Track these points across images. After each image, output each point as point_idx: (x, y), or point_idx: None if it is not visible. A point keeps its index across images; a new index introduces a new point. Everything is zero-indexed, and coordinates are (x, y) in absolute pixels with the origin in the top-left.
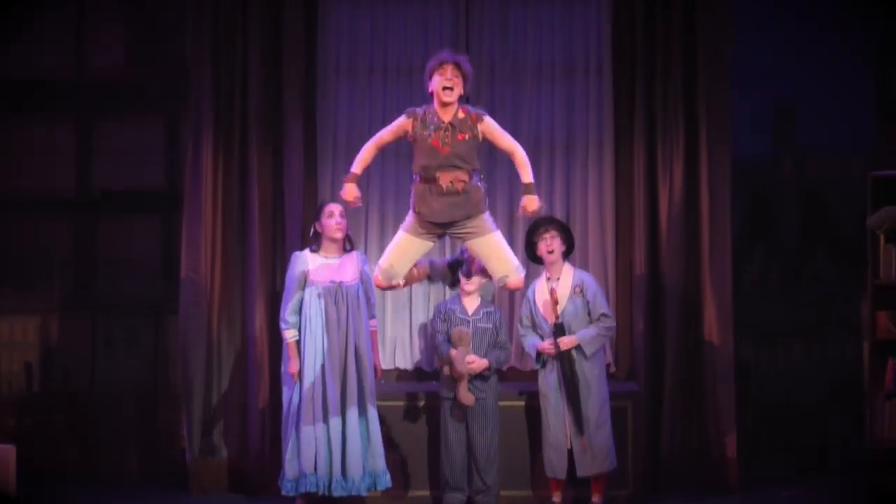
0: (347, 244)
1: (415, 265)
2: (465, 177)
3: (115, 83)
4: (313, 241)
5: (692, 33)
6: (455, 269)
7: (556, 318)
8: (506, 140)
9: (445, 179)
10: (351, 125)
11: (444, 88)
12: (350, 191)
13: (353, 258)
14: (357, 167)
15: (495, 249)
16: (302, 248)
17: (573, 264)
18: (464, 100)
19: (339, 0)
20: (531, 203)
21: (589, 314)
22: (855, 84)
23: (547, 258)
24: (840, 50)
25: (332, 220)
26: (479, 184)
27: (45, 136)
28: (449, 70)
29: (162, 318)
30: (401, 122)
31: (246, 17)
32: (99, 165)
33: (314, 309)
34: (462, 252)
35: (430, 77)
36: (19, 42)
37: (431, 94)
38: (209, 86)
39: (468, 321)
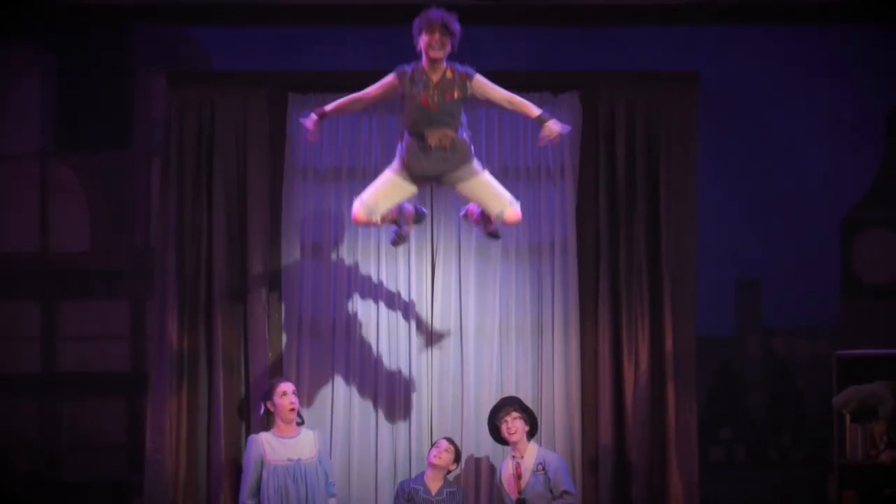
0: (298, 418)
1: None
2: (452, 133)
3: (80, 265)
4: (265, 420)
5: (656, 217)
6: (414, 223)
7: (519, 492)
8: (499, 92)
9: (434, 137)
10: (316, 303)
11: (432, 47)
12: (310, 127)
13: (310, 436)
14: (330, 106)
15: (486, 188)
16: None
17: (539, 441)
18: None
19: (304, 182)
20: (551, 127)
21: (551, 491)
22: (820, 263)
23: (510, 439)
24: (805, 229)
25: (286, 399)
26: (464, 135)
27: (9, 317)
28: (437, 29)
29: (127, 499)
30: (389, 80)
31: (211, 200)
32: (64, 347)
33: (272, 489)
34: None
35: (419, 34)
36: None
37: (420, 51)
38: (174, 269)
39: (431, 502)
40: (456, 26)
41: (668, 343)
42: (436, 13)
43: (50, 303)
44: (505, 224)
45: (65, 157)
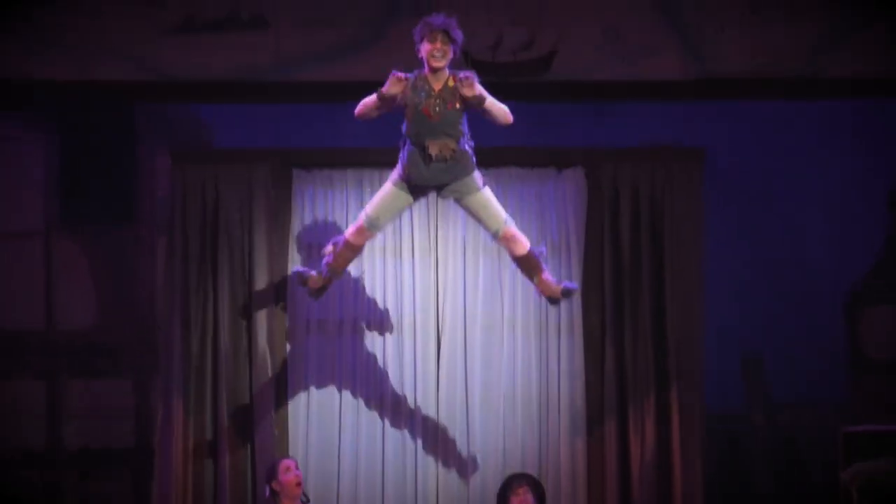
0: (304, 497)
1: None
2: (453, 144)
3: (85, 342)
4: (271, 502)
5: (662, 293)
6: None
7: None
8: (481, 94)
9: (435, 147)
10: (322, 375)
11: (434, 56)
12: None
13: None
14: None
15: (485, 206)
16: None
17: None
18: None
19: (309, 259)
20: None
21: None
22: (826, 338)
23: None
24: (811, 304)
25: (291, 474)
26: (466, 146)
27: (14, 394)
28: (439, 37)
29: None
30: (392, 81)
31: (216, 276)
32: (68, 423)
33: None
34: None
35: (420, 42)
36: None
37: (422, 59)
38: (179, 346)
39: None
40: (458, 33)
41: (675, 418)
42: (437, 19)
43: (55, 379)
44: (500, 242)
45: (69, 234)
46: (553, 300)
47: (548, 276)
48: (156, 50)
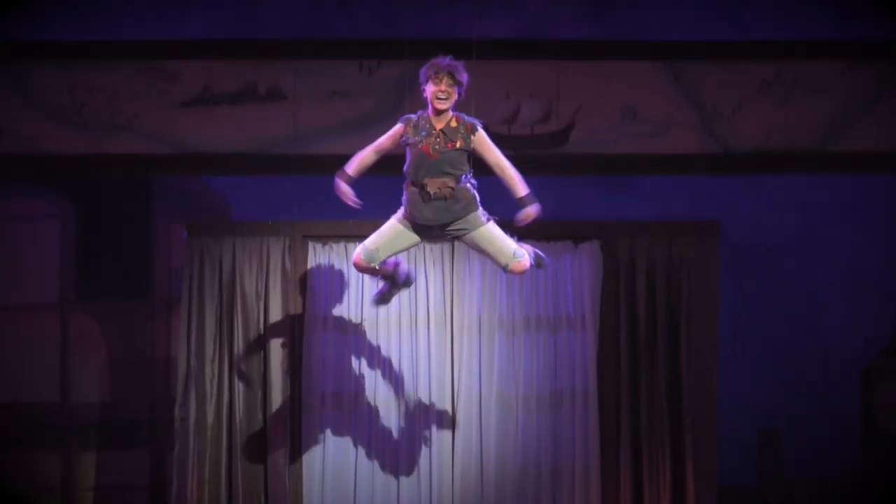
0: None
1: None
2: (452, 183)
3: (100, 416)
4: None
5: (677, 365)
6: (399, 288)
7: None
8: (494, 154)
9: (433, 186)
10: (337, 454)
11: (438, 98)
12: (345, 191)
13: None
14: (351, 167)
15: (492, 241)
16: None
17: None
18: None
19: (324, 332)
20: (529, 212)
21: None
22: (841, 412)
23: None
24: (825, 378)
25: None
26: (467, 185)
27: (29, 468)
28: (444, 79)
29: None
30: (396, 129)
31: (231, 349)
32: (83, 496)
33: None
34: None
35: (425, 82)
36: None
37: (426, 99)
38: (194, 419)
39: None
40: (464, 76)
41: (690, 491)
42: (443, 60)
43: (70, 453)
44: (511, 274)
45: (85, 306)
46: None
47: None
48: (172, 122)
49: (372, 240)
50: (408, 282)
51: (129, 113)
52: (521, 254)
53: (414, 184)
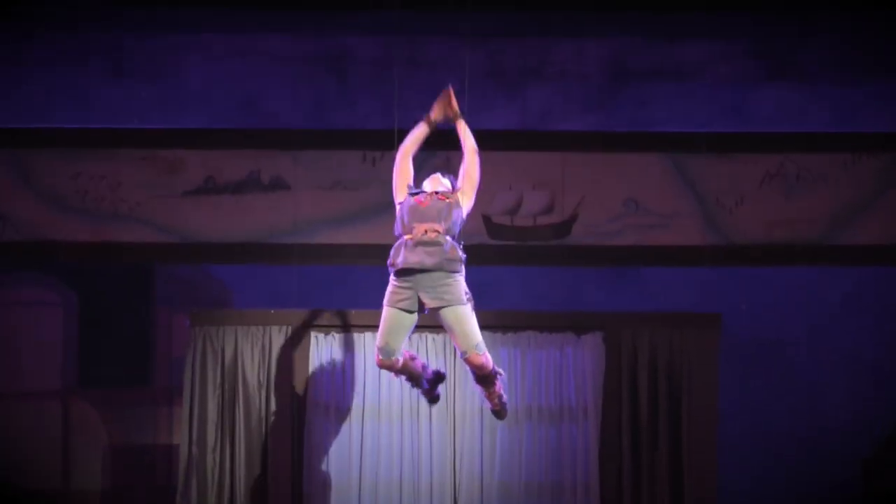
0: None
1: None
2: (439, 228)
3: (101, 503)
4: None
5: (679, 457)
6: (435, 385)
7: None
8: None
9: (421, 229)
10: None
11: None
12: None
13: None
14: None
15: (462, 324)
16: None
17: None
18: None
19: (326, 420)
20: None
21: None
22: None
23: None
24: (827, 469)
25: None
26: (456, 245)
27: None
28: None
29: None
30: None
31: (233, 436)
32: None
33: None
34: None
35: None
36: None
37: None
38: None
39: None
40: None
41: None
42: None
43: None
44: (465, 363)
45: (86, 394)
46: (496, 413)
47: (499, 387)
48: (175, 211)
49: (378, 337)
50: (439, 377)
51: (131, 201)
52: (482, 349)
53: (402, 234)
